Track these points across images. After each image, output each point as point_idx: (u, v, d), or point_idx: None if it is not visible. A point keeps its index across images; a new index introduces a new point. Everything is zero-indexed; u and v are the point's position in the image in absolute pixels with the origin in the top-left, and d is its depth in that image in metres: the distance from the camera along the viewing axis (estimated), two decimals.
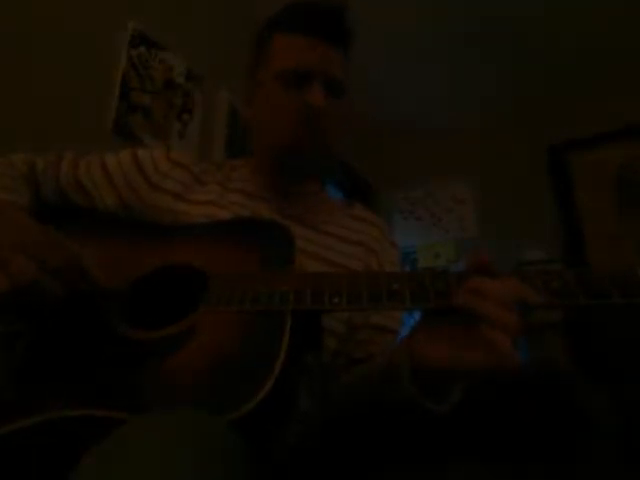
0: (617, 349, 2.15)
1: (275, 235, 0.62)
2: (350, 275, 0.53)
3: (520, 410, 0.55)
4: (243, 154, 0.91)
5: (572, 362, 2.23)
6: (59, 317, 0.55)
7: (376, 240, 0.82)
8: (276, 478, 0.56)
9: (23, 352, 0.53)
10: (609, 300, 0.45)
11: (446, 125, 2.94)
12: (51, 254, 0.52)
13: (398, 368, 0.53)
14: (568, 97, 2.66)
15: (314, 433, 0.67)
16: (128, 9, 1.61)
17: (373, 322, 0.74)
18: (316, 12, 0.74)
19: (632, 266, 0.46)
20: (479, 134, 2.89)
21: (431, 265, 2.84)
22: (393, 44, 2.43)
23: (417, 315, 0.53)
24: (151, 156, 0.80)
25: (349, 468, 0.62)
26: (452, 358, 0.46)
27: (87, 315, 0.56)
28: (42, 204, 0.76)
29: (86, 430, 0.43)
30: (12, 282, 0.49)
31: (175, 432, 0.33)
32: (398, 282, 0.50)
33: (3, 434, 0.43)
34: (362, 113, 2.66)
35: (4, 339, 0.53)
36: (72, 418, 0.44)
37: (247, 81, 0.82)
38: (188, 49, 1.81)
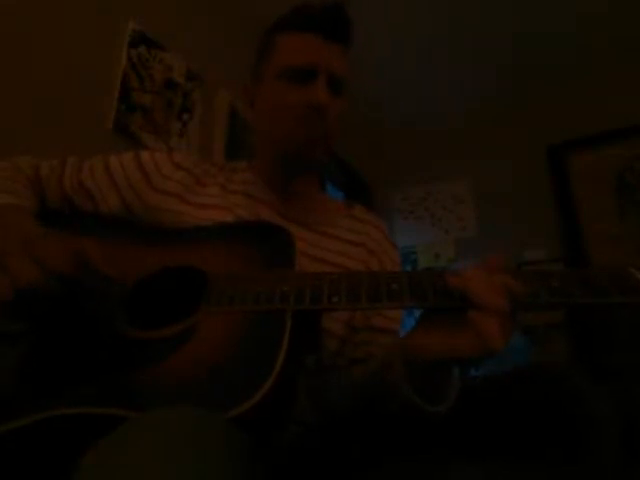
0: (618, 349, 2.15)
1: (275, 237, 0.62)
2: (350, 275, 0.53)
3: (521, 410, 0.55)
4: (243, 154, 0.90)
5: (573, 362, 2.23)
6: (61, 316, 0.55)
7: (377, 241, 0.82)
8: (275, 477, 0.56)
9: (24, 351, 0.53)
10: (608, 299, 0.45)
11: (446, 125, 2.95)
12: (53, 254, 0.52)
13: (391, 361, 0.53)
14: (568, 97, 2.66)
15: (313, 433, 0.67)
16: (128, 9, 1.61)
17: (373, 324, 0.74)
18: (315, 9, 0.74)
19: (628, 266, 0.47)
20: (479, 134, 2.89)
21: (431, 265, 2.84)
22: (393, 44, 2.43)
23: (417, 314, 0.54)
24: (154, 158, 0.80)
25: (347, 468, 0.62)
26: (440, 344, 0.47)
27: (89, 315, 0.56)
28: (47, 208, 0.76)
29: (86, 428, 0.43)
30: (13, 285, 0.49)
31: (175, 430, 0.33)
32: (397, 281, 0.50)
33: (4, 432, 0.43)
34: (362, 113, 2.67)
35: (5, 339, 0.53)
36: (73, 416, 0.44)
37: (250, 83, 0.82)
38: (188, 49, 1.81)
